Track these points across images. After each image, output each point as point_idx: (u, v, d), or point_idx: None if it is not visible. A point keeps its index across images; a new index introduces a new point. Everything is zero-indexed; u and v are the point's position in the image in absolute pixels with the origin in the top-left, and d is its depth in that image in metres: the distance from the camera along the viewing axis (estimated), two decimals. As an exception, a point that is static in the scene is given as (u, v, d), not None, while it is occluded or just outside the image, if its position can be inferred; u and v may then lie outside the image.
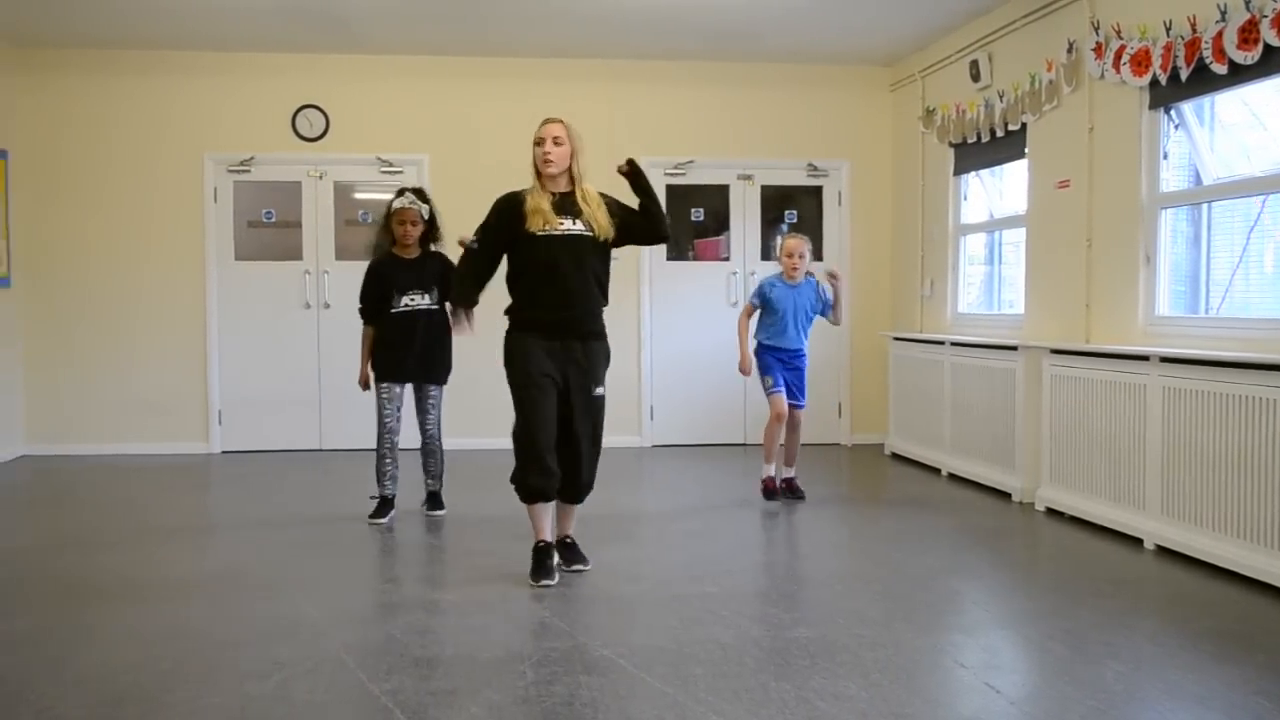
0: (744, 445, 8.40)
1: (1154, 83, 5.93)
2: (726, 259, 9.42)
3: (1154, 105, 6.03)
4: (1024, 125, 7.27)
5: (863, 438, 9.51)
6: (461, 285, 5.00)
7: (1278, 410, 4.71)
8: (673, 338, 9.31)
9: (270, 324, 8.99)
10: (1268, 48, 5.08)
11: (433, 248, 6.24)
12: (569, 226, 4.82)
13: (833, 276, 6.75)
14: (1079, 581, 4.98)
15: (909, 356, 8.58)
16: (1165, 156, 6.05)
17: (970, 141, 8.03)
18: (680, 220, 9.40)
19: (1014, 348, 6.89)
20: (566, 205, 4.86)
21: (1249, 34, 5.17)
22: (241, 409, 8.99)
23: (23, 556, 5.58)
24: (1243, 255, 5.70)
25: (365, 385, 6.27)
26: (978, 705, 3.45)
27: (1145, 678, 3.69)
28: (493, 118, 8.91)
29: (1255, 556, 4.82)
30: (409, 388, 6.26)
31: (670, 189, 9.26)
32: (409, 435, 6.49)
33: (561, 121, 4.90)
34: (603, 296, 4.99)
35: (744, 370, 6.74)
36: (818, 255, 9.20)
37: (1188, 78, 5.64)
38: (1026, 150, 7.30)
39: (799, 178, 9.50)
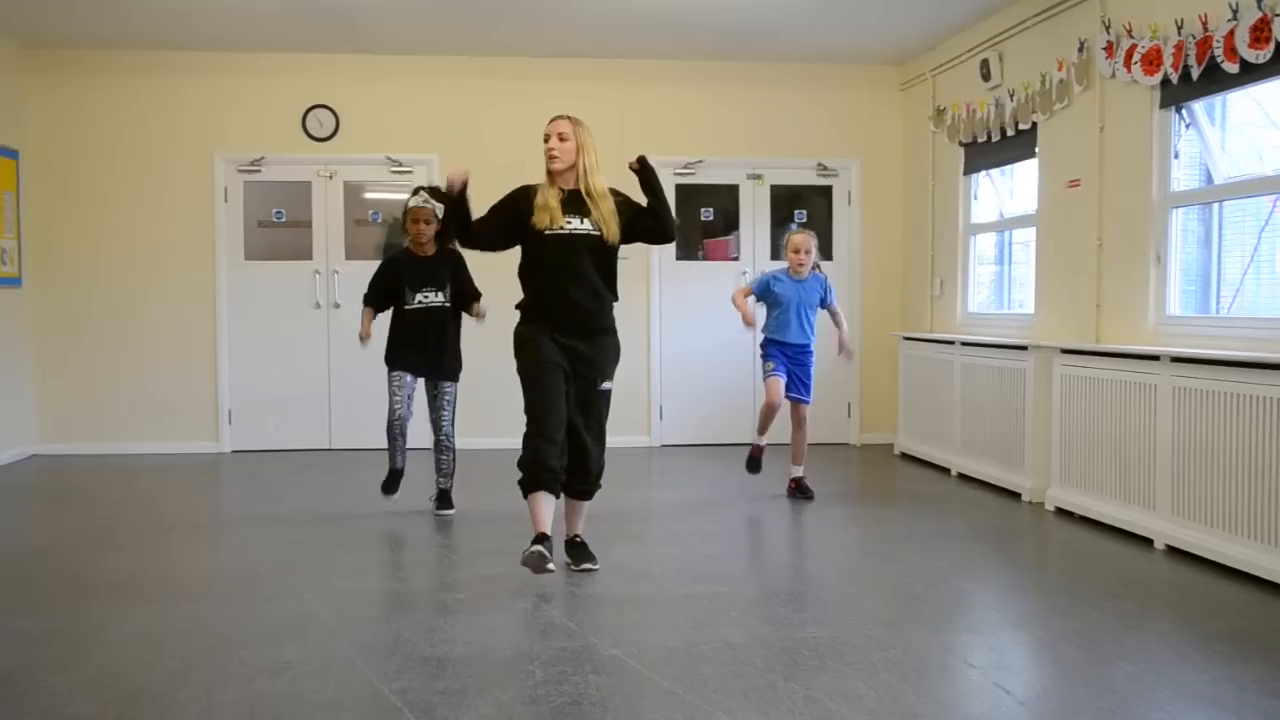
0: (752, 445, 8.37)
1: (1165, 82, 5.91)
2: (736, 259, 9.41)
3: (1165, 104, 6.01)
4: (1034, 124, 7.26)
5: (872, 437, 9.50)
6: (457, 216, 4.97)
7: (1289, 410, 4.70)
8: (682, 337, 9.30)
9: (280, 324, 9.00)
10: (1279, 46, 5.07)
11: (448, 247, 6.26)
12: (576, 225, 4.85)
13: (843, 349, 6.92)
14: (1089, 582, 4.97)
15: (919, 356, 8.56)
16: (1176, 156, 6.04)
17: (980, 141, 8.01)
18: (690, 220, 9.40)
19: (1024, 348, 6.88)
20: (575, 203, 4.88)
21: (1261, 33, 5.15)
22: (251, 408, 9.00)
23: (33, 555, 5.60)
24: (1254, 255, 5.68)
25: (366, 337, 6.30)
26: (987, 706, 3.44)
27: (1156, 678, 3.68)
28: (503, 118, 8.92)
29: (1266, 557, 4.81)
30: (421, 383, 6.30)
31: (680, 188, 9.27)
32: (422, 434, 6.52)
33: (568, 118, 4.93)
34: (611, 294, 5.00)
35: (748, 320, 6.75)
36: (828, 255, 9.25)
37: (1199, 77, 5.62)
38: (1037, 149, 7.28)
39: (809, 177, 9.49)
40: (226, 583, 4.97)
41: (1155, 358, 5.58)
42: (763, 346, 6.85)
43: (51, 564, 5.40)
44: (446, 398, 6.28)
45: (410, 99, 9.02)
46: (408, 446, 6.31)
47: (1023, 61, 7.42)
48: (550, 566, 4.69)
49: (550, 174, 4.92)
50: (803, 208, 9.52)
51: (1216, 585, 4.86)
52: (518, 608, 4.50)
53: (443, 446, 6.32)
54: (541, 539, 4.73)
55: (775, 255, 9.31)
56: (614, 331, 5.04)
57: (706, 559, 5.43)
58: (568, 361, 4.87)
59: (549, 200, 4.85)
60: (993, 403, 7.28)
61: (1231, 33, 5.32)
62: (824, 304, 6.83)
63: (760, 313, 6.92)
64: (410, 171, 9.03)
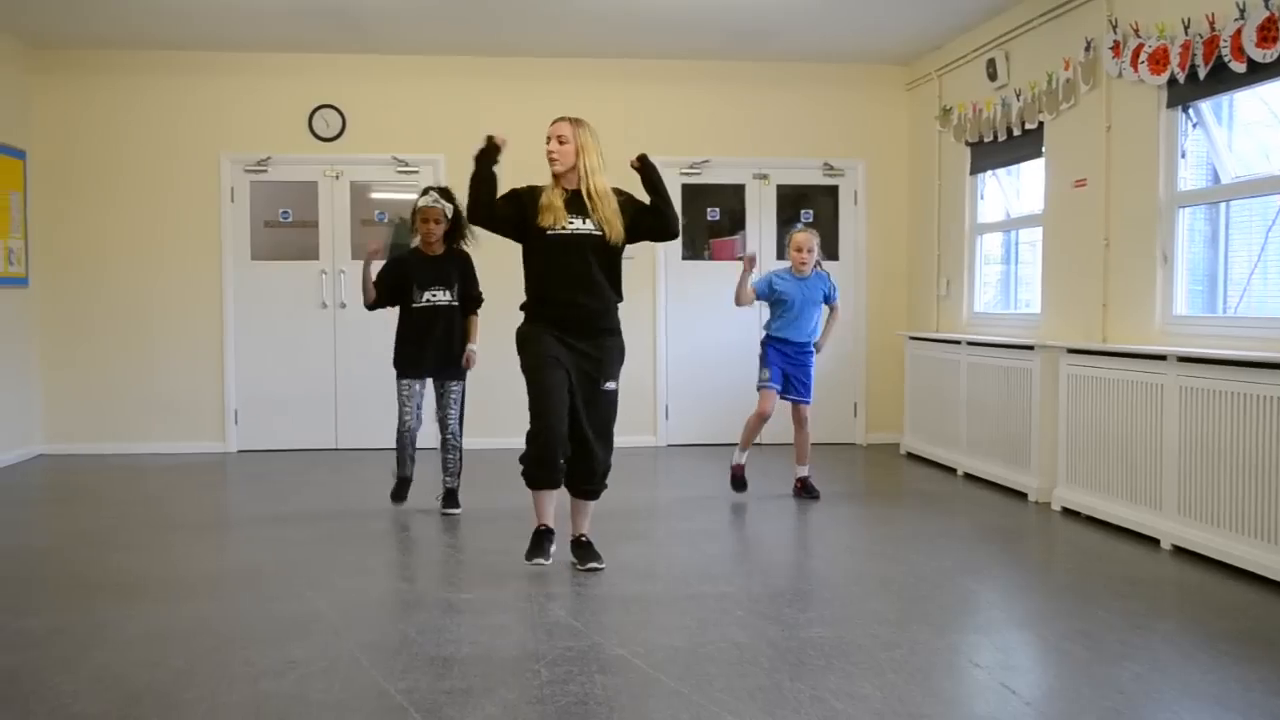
0: (759, 445, 8.35)
1: (1172, 81, 5.90)
2: (742, 258, 9.38)
3: (1172, 104, 6.00)
4: (1041, 124, 7.25)
5: (878, 437, 9.50)
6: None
7: (1296, 410, 4.69)
8: (688, 337, 9.30)
9: (286, 324, 9.01)
10: (1287, 45, 5.06)
11: (456, 246, 6.31)
12: (578, 225, 4.87)
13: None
14: (1095, 582, 4.96)
15: (925, 356, 8.56)
16: (1183, 155, 6.02)
17: (987, 140, 8.00)
18: (696, 219, 9.41)
19: (1030, 347, 6.87)
20: (578, 203, 4.90)
21: (1268, 32, 5.13)
22: (258, 408, 9.01)
23: (39, 554, 5.61)
24: (1261, 254, 5.66)
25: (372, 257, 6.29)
26: (993, 706, 3.43)
27: (1162, 678, 3.67)
28: (508, 117, 8.82)
29: (1273, 557, 4.79)
30: (429, 385, 6.32)
31: (685, 188, 9.27)
32: (427, 433, 6.53)
33: (569, 120, 4.95)
34: (615, 294, 5.01)
35: (751, 261, 6.77)
36: (833, 254, 9.24)
37: (1206, 76, 5.61)
38: (1044, 149, 7.27)
39: (815, 177, 9.49)
40: (232, 582, 4.98)
41: (1162, 357, 5.57)
42: (763, 345, 6.85)
43: (57, 563, 5.42)
44: (454, 396, 6.31)
45: (416, 99, 9.03)
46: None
47: (1029, 61, 7.41)
48: (540, 560, 4.90)
49: (554, 175, 4.94)
50: (809, 207, 9.51)
51: (1223, 585, 4.85)
52: (524, 607, 4.50)
53: (450, 445, 6.34)
54: (543, 530, 4.96)
55: (781, 255, 9.28)
56: (619, 332, 5.05)
57: (712, 559, 5.44)
58: (572, 361, 4.89)
59: (553, 200, 4.88)
60: (999, 402, 7.27)
61: (1239, 32, 5.31)
62: (828, 300, 6.84)
63: (761, 314, 6.92)
64: (416, 171, 9.04)
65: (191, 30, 8.19)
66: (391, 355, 6.34)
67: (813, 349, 6.82)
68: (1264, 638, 4.12)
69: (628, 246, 5.03)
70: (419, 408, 6.33)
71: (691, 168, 9.27)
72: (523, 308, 5.02)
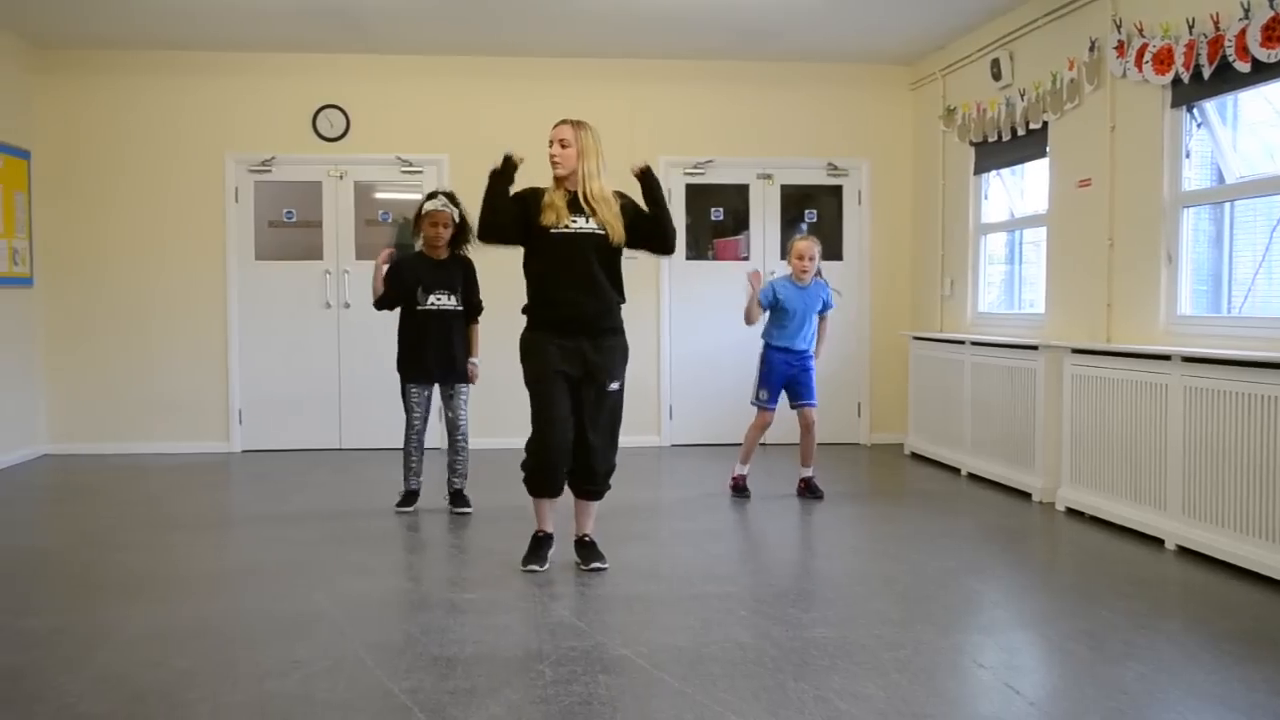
0: (763, 445, 8.35)
1: (1176, 81, 5.89)
2: (746, 258, 9.40)
3: (1176, 104, 6.00)
4: (1045, 124, 7.24)
5: (882, 437, 9.49)
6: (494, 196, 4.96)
7: (1301, 410, 4.69)
8: (692, 337, 9.30)
9: (291, 323, 9.02)
10: (1291, 45, 5.06)
11: (459, 251, 6.34)
12: (581, 224, 4.87)
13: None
14: (1099, 582, 4.96)
15: (929, 356, 8.55)
16: (1187, 155, 6.02)
17: (991, 140, 8.00)
18: (699, 219, 9.42)
19: (1035, 347, 6.87)
20: (579, 205, 4.91)
21: (1273, 31, 5.13)
22: (262, 408, 9.02)
23: (43, 554, 5.62)
24: (1266, 254, 5.66)
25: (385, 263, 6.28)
26: (997, 706, 3.43)
27: (1166, 679, 3.67)
28: (512, 117, 8.90)
29: (1277, 557, 4.79)
30: (435, 388, 6.35)
31: (689, 188, 9.28)
32: (432, 433, 6.54)
33: (571, 123, 4.96)
34: (617, 294, 5.02)
35: (759, 278, 6.80)
36: (837, 254, 9.24)
37: (1210, 76, 5.60)
38: (1048, 149, 7.26)
39: (819, 177, 9.48)
40: (236, 582, 4.99)
41: (1166, 357, 5.57)
42: (764, 357, 6.84)
43: (61, 563, 5.42)
44: (463, 397, 6.35)
45: (420, 99, 9.04)
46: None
47: (1033, 61, 7.40)
48: (535, 567, 5.01)
49: (556, 178, 4.95)
50: (813, 207, 9.51)
51: (1227, 585, 4.85)
52: (527, 607, 4.50)
53: (459, 446, 6.37)
54: (542, 536, 5.10)
55: (785, 255, 9.28)
56: (622, 331, 5.06)
57: (716, 559, 5.44)
58: (576, 364, 4.89)
59: (555, 200, 4.89)
60: (1003, 403, 7.27)
61: (1243, 32, 5.31)
62: (823, 309, 6.86)
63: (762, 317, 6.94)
64: (420, 171, 9.05)
65: (195, 30, 8.20)
66: (395, 358, 6.36)
67: (812, 356, 6.84)
68: (1268, 638, 4.12)
69: (628, 249, 5.03)
70: (426, 413, 6.37)
71: (695, 168, 9.27)
72: (524, 310, 5.02)
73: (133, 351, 8.90)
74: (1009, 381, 7.18)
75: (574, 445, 4.97)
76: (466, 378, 6.35)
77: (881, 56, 9.17)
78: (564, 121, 4.97)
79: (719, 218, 9.48)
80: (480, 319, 6.42)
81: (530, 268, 4.99)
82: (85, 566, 5.30)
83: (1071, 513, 6.40)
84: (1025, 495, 6.90)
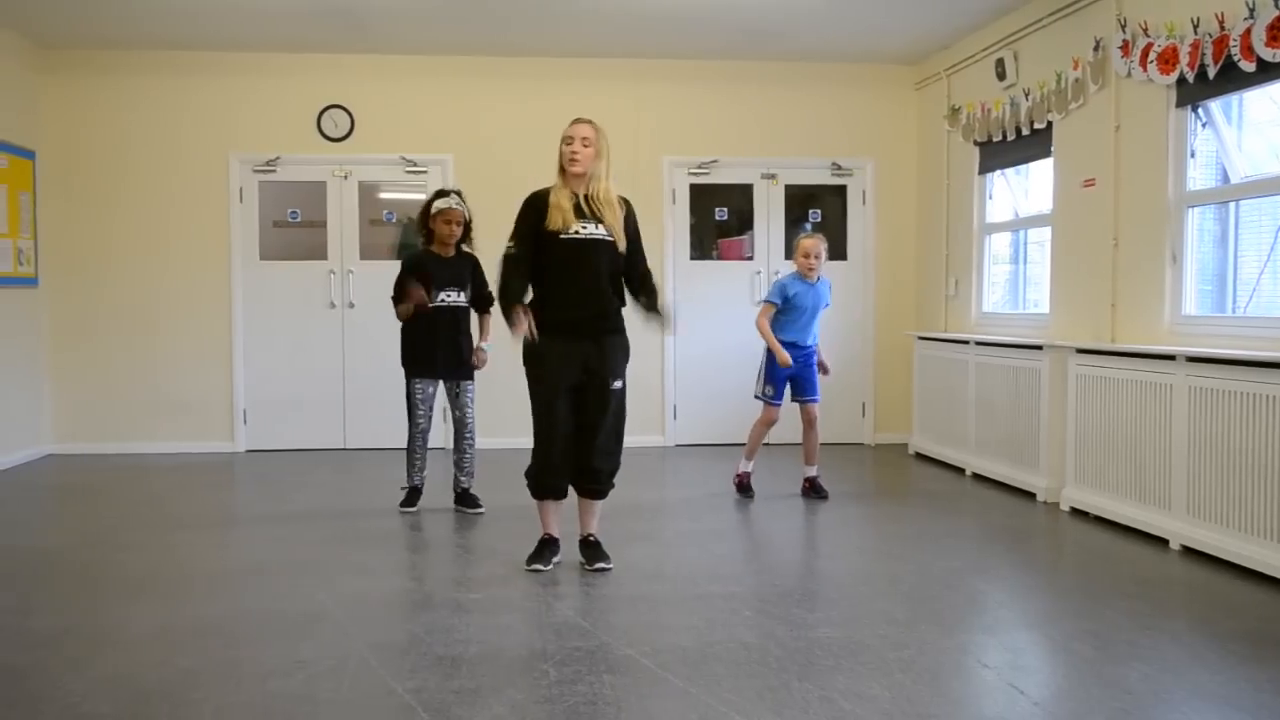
0: (767, 444, 8.37)
1: (1181, 80, 5.89)
2: (750, 258, 9.40)
3: (1181, 103, 5.99)
4: (1050, 124, 7.23)
5: (886, 437, 9.49)
6: (509, 287, 4.89)
7: (1306, 410, 4.68)
8: (696, 337, 9.29)
9: (295, 323, 9.02)
10: (1296, 45, 5.05)
11: (464, 248, 6.37)
12: (591, 230, 4.86)
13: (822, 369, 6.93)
14: (1104, 582, 4.95)
15: (933, 356, 8.55)
16: (1192, 155, 6.01)
17: (996, 140, 7.99)
18: (704, 220, 9.42)
19: (1039, 347, 6.86)
20: (586, 207, 4.89)
21: (1278, 31, 5.12)
22: (266, 408, 9.03)
23: (48, 554, 5.62)
24: (1270, 254, 5.65)
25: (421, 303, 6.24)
26: (1002, 706, 3.43)
27: (1171, 679, 3.66)
28: (517, 118, 8.93)
29: (1283, 558, 4.79)
30: (440, 386, 6.35)
31: (694, 188, 9.29)
32: (436, 433, 6.55)
33: (591, 123, 4.93)
34: (619, 298, 5.04)
35: (786, 362, 6.70)
36: (841, 254, 9.24)
37: (1215, 75, 5.59)
38: (1052, 149, 7.25)
39: (823, 177, 9.48)
40: (240, 582, 4.99)
41: (1171, 357, 5.56)
42: (768, 354, 6.82)
43: (65, 563, 5.42)
44: (470, 394, 6.37)
45: (425, 99, 9.04)
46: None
47: (1038, 60, 7.39)
48: (539, 567, 5.03)
49: (564, 175, 4.92)
50: (817, 207, 9.50)
51: (1232, 585, 4.84)
52: (532, 607, 4.50)
53: (467, 444, 6.39)
54: (548, 539, 5.14)
55: (790, 255, 9.29)
56: (624, 330, 5.07)
57: (720, 558, 5.44)
58: (577, 367, 4.89)
59: (562, 201, 4.86)
60: (1007, 402, 7.26)
61: (1248, 31, 5.30)
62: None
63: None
64: (425, 171, 9.05)
65: (200, 30, 8.21)
66: (399, 355, 6.37)
67: (815, 351, 6.85)
68: (1273, 638, 4.11)
69: None
70: (431, 410, 6.37)
71: (700, 168, 9.27)
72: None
73: (137, 351, 8.91)
74: (1013, 381, 7.17)
75: (578, 444, 4.99)
76: (472, 374, 6.35)
77: (886, 56, 9.16)
78: (584, 120, 4.94)
79: (723, 218, 9.47)
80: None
81: (536, 269, 4.96)
82: (89, 566, 5.31)
83: (1076, 513, 6.40)
84: (1030, 495, 6.89)
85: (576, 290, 4.89)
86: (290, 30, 8.20)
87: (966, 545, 5.72)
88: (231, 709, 3.38)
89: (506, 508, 6.41)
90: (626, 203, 5.04)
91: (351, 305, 9.00)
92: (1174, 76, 5.90)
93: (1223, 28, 5.49)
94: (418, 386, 6.32)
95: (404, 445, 6.47)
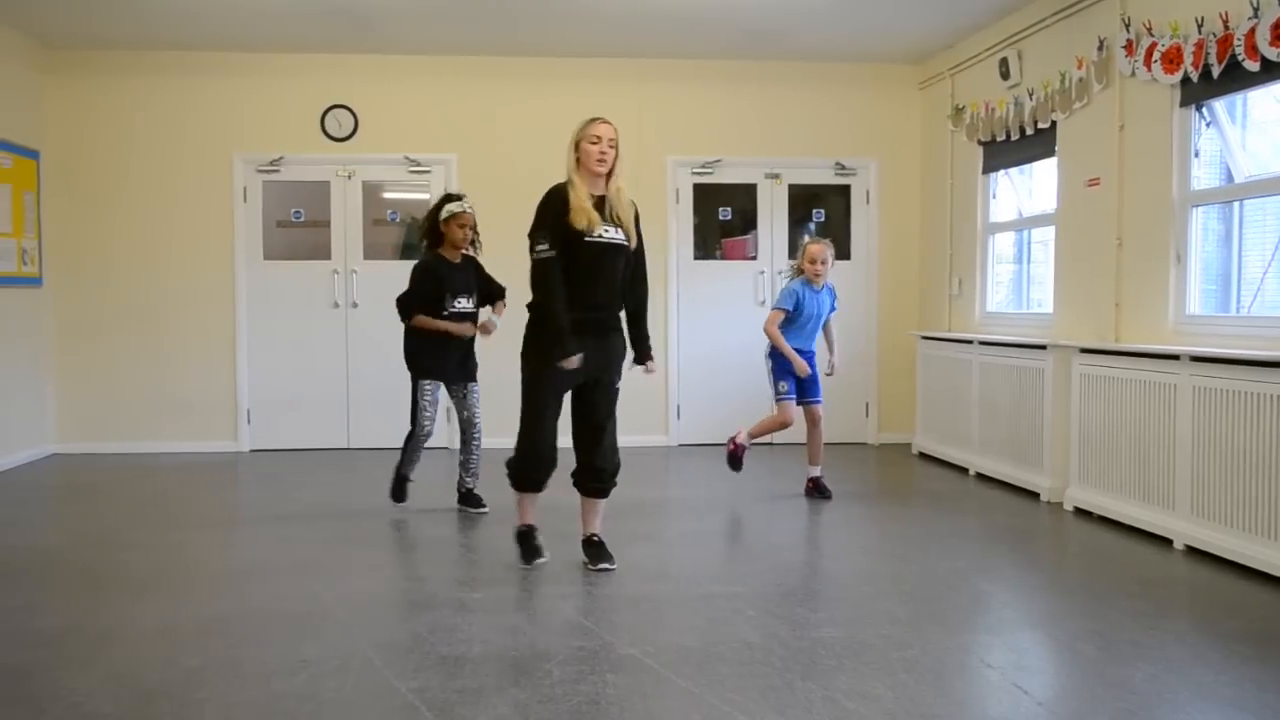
0: (770, 445, 8.35)
1: (1185, 80, 5.88)
2: (754, 258, 9.39)
3: (1185, 103, 5.98)
4: (1054, 123, 7.23)
5: (890, 437, 9.48)
6: (557, 293, 4.82)
7: (1310, 410, 4.67)
8: (699, 337, 9.29)
9: (299, 323, 9.03)
10: (1301, 44, 5.04)
11: (465, 252, 6.34)
12: (613, 234, 4.88)
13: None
14: (1108, 582, 4.95)
15: (937, 355, 8.54)
16: (1196, 154, 6.00)
17: (999, 140, 7.98)
18: (707, 219, 9.42)
19: (1043, 347, 6.86)
20: (606, 209, 4.89)
21: (1282, 30, 5.12)
22: (270, 408, 9.03)
23: (52, 553, 5.62)
24: (1275, 254, 5.64)
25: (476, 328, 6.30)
26: (1005, 706, 3.43)
27: (1175, 679, 3.66)
28: (521, 117, 8.93)
29: (1287, 558, 4.78)
30: (442, 388, 6.35)
31: (697, 188, 9.29)
32: (439, 434, 6.55)
33: (612, 124, 4.93)
34: (622, 298, 5.07)
35: (805, 372, 6.74)
36: (845, 254, 9.24)
37: (1219, 75, 5.59)
38: (1056, 148, 7.25)
39: (827, 176, 9.47)
40: (243, 581, 4.99)
41: (1175, 357, 5.56)
42: (774, 355, 6.82)
43: (69, 562, 5.43)
44: (476, 395, 6.38)
45: (428, 99, 9.04)
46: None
47: (1042, 60, 7.39)
48: (538, 560, 5.12)
49: (583, 174, 4.88)
50: (821, 207, 9.50)
51: (1236, 585, 4.84)
52: (535, 607, 4.51)
53: (474, 445, 6.39)
54: (524, 530, 5.22)
55: (793, 255, 9.27)
56: (621, 330, 5.12)
57: (723, 558, 5.44)
58: (581, 362, 4.86)
59: (584, 202, 4.83)
60: (1011, 402, 7.25)
61: (1253, 30, 5.29)
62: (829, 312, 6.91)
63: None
64: (428, 171, 9.06)
65: (203, 31, 8.21)
66: (403, 355, 6.34)
67: (815, 352, 6.87)
68: (1277, 638, 4.11)
69: None
70: (436, 412, 6.34)
71: (703, 167, 9.27)
72: (531, 306, 5.00)
73: (141, 351, 8.91)
74: (1017, 381, 7.17)
75: (585, 445, 5.03)
76: (477, 376, 6.35)
77: (890, 56, 9.16)
78: (606, 120, 4.91)
79: (727, 217, 9.47)
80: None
81: None
82: (93, 566, 5.31)
83: (1079, 513, 6.39)
84: (1033, 495, 6.89)
85: (595, 293, 4.89)
86: (294, 30, 8.21)
87: (970, 545, 5.72)
88: (235, 708, 3.38)
89: (510, 508, 6.37)
90: (634, 206, 5.04)
91: (355, 305, 9.00)
92: (1178, 76, 5.89)
93: (1227, 27, 5.48)
94: (427, 388, 6.27)
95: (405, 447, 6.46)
